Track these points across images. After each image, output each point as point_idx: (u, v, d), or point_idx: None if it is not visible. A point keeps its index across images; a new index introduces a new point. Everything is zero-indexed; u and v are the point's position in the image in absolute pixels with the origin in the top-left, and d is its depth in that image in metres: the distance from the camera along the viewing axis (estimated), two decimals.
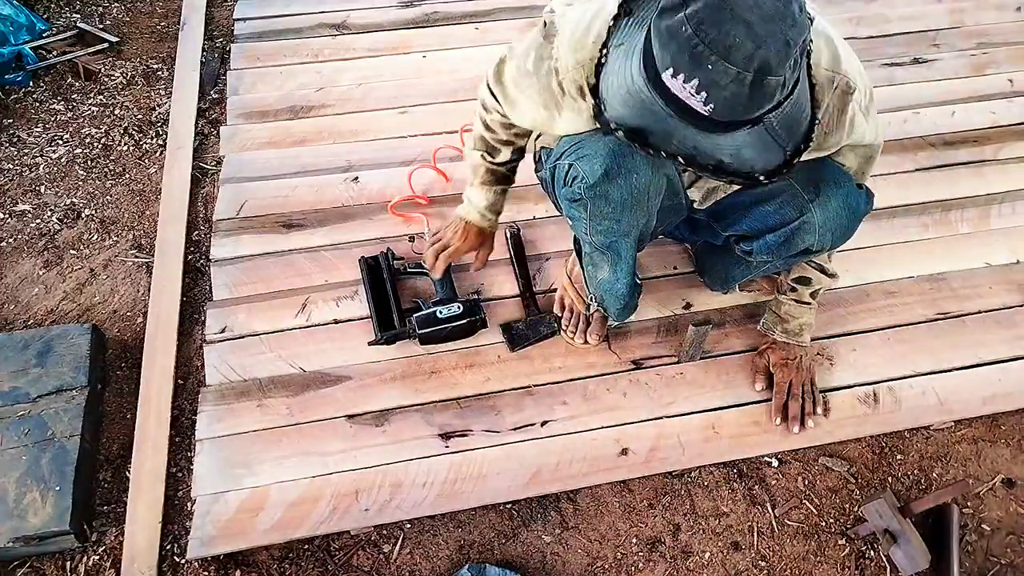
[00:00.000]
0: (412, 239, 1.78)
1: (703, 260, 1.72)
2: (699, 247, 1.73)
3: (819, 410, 1.54)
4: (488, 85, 1.35)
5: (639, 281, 1.61)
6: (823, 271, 1.48)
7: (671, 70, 0.86)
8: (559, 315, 1.65)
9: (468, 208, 1.55)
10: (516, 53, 1.26)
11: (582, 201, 1.24)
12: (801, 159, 0.98)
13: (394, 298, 1.63)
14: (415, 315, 1.58)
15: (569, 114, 1.19)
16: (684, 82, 0.85)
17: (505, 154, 1.45)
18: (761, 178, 0.97)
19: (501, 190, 1.53)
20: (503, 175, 1.51)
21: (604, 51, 1.01)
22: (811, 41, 0.97)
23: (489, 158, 1.47)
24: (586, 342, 1.62)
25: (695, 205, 1.40)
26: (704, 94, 0.85)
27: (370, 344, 1.59)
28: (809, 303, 1.53)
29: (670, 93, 0.88)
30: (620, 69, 0.96)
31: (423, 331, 1.57)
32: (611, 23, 1.02)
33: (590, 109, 1.07)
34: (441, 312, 1.57)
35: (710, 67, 0.83)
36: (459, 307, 1.58)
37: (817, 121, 0.98)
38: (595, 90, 1.02)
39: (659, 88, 0.89)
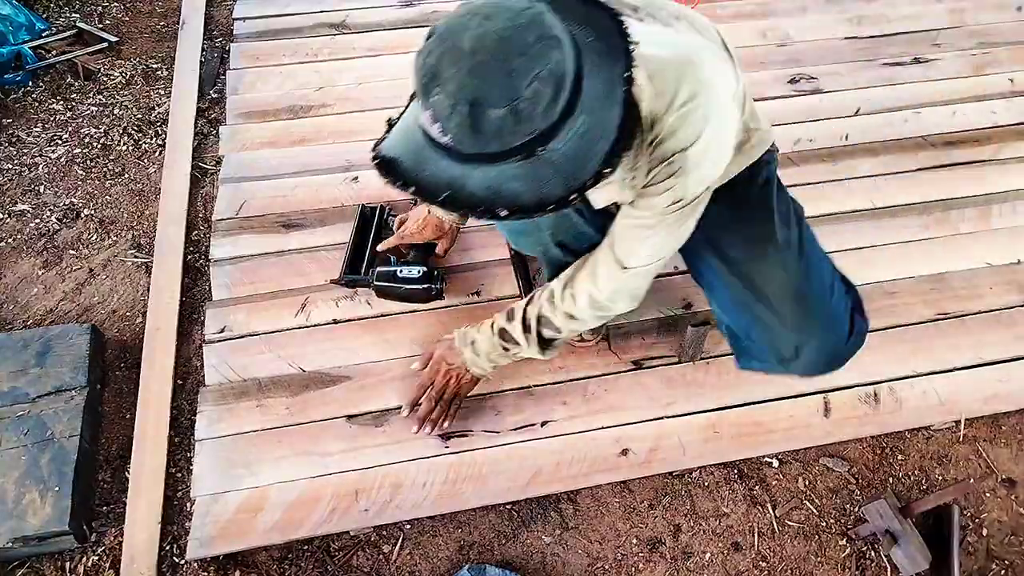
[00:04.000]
0: (415, 202, 1.77)
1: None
2: None
3: (446, 424, 1.46)
4: None
5: None
6: (536, 341, 1.35)
7: (417, 100, 0.85)
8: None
9: None
10: None
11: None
12: (588, 191, 0.90)
13: (370, 249, 1.72)
14: (378, 268, 1.64)
15: None
16: (423, 111, 0.84)
17: None
18: (534, 214, 0.89)
19: None
20: None
21: None
22: (631, 73, 0.88)
23: None
24: (582, 339, 1.62)
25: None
26: (438, 124, 0.82)
27: (330, 281, 1.70)
28: (508, 356, 1.41)
29: (424, 127, 0.86)
30: (412, 109, 0.93)
31: (378, 283, 1.63)
32: None
33: None
34: (401, 271, 1.63)
35: (433, 98, 0.81)
36: (419, 272, 1.62)
37: (618, 157, 0.88)
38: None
39: (422, 121, 0.86)
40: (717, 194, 1.19)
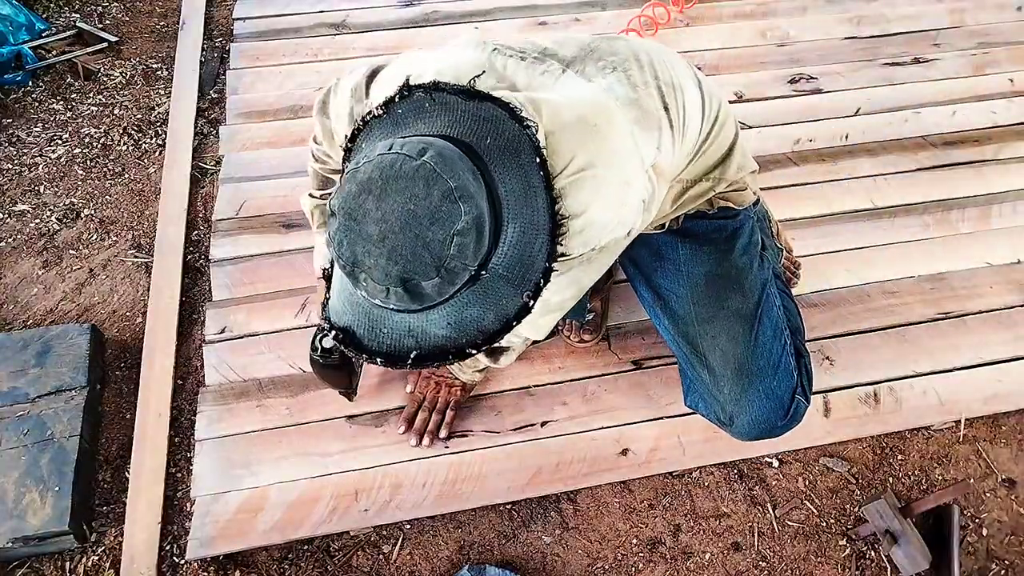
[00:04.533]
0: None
1: None
2: None
3: (443, 433, 1.46)
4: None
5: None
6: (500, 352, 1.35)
7: (348, 280, 0.84)
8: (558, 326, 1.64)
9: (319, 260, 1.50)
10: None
11: None
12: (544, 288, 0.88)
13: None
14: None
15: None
16: (361, 291, 0.82)
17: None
18: (500, 337, 0.87)
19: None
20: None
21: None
22: (543, 157, 0.87)
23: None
24: (583, 340, 1.61)
25: None
26: (379, 299, 0.82)
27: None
28: (480, 367, 1.43)
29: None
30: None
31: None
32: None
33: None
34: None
35: (364, 284, 0.81)
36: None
37: (561, 254, 0.89)
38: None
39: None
40: (679, 238, 1.17)
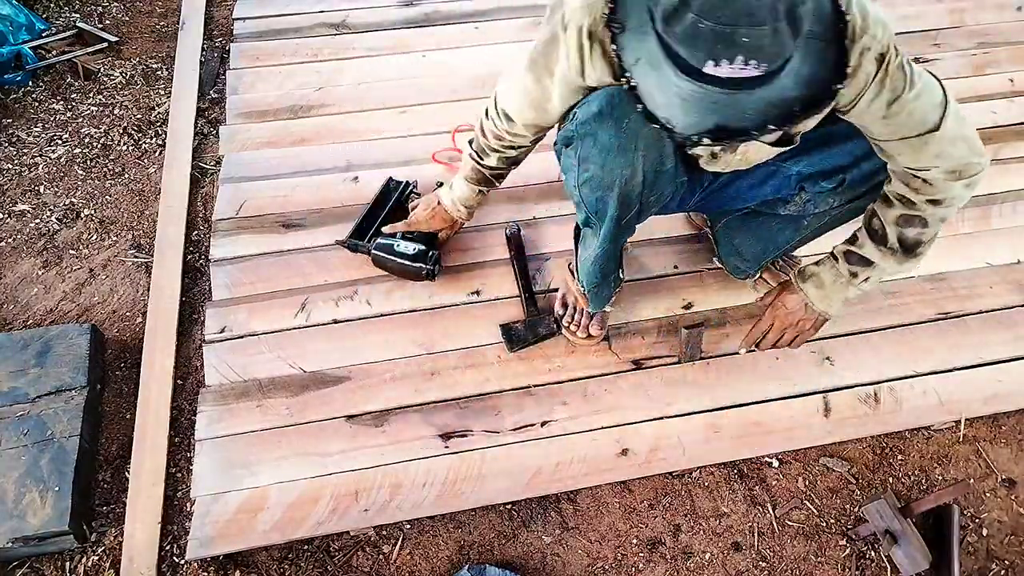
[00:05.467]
0: (440, 185, 1.78)
1: (730, 239, 1.67)
2: (722, 227, 1.69)
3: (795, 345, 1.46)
4: (494, 96, 1.36)
5: (622, 275, 1.59)
6: (899, 250, 1.27)
7: (712, 62, 0.87)
8: (560, 313, 1.65)
9: (447, 193, 1.64)
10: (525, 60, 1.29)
11: (573, 144, 1.23)
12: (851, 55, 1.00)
13: (382, 220, 1.75)
14: (379, 239, 1.70)
15: (563, 72, 1.18)
16: (730, 64, 0.86)
17: (492, 160, 1.46)
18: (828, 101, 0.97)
19: (480, 191, 1.57)
20: (486, 178, 1.52)
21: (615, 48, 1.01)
22: None
23: (477, 159, 1.49)
24: (589, 336, 1.61)
25: (719, 170, 1.33)
26: (754, 62, 0.86)
27: (335, 241, 1.77)
28: (856, 285, 1.36)
29: (721, 79, 0.88)
30: (660, 83, 0.95)
31: (376, 252, 1.69)
32: (613, 46, 1.02)
33: (583, 67, 1.12)
34: (399, 245, 1.68)
35: (746, 40, 0.85)
36: (415, 249, 1.67)
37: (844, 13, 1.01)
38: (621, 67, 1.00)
39: (709, 79, 0.89)
40: None
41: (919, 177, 1.21)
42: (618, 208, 1.26)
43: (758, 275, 1.71)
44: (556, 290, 1.70)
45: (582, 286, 1.56)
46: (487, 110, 1.40)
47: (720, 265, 1.75)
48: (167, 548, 1.37)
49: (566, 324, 1.63)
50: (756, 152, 1.22)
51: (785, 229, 1.51)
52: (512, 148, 1.43)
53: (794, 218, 1.46)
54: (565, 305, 1.65)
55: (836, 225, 1.46)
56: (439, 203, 1.65)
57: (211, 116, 2.14)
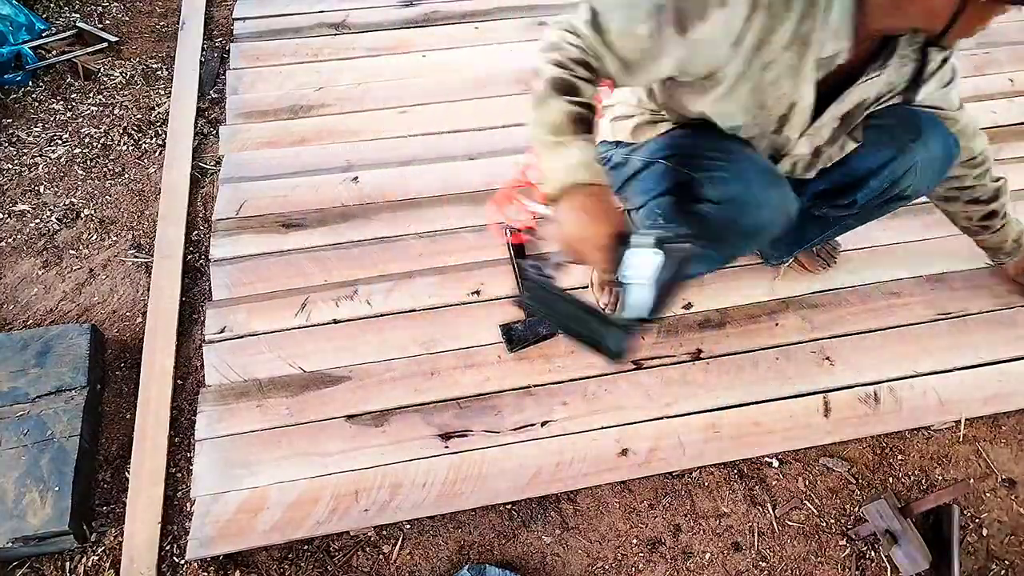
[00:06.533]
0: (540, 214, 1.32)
1: None
2: None
3: None
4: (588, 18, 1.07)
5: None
6: (992, 198, 1.56)
7: None
8: (601, 298, 1.67)
9: (566, 174, 1.04)
10: None
11: (701, 218, 1.22)
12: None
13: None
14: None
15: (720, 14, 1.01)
16: None
17: (587, 91, 1.08)
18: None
19: (590, 139, 1.09)
20: (586, 116, 1.08)
21: None
22: None
23: (573, 97, 1.06)
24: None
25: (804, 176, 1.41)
26: None
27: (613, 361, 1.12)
28: (1005, 226, 1.60)
29: None
30: None
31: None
32: None
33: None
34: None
35: None
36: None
37: None
38: None
39: None
40: None
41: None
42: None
43: (791, 260, 1.77)
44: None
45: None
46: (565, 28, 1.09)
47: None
48: (167, 548, 1.37)
49: (605, 305, 1.66)
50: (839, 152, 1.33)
51: (814, 227, 1.56)
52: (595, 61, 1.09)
53: (820, 218, 1.51)
54: (602, 290, 1.68)
55: (866, 221, 1.55)
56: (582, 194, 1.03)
57: (211, 116, 2.14)
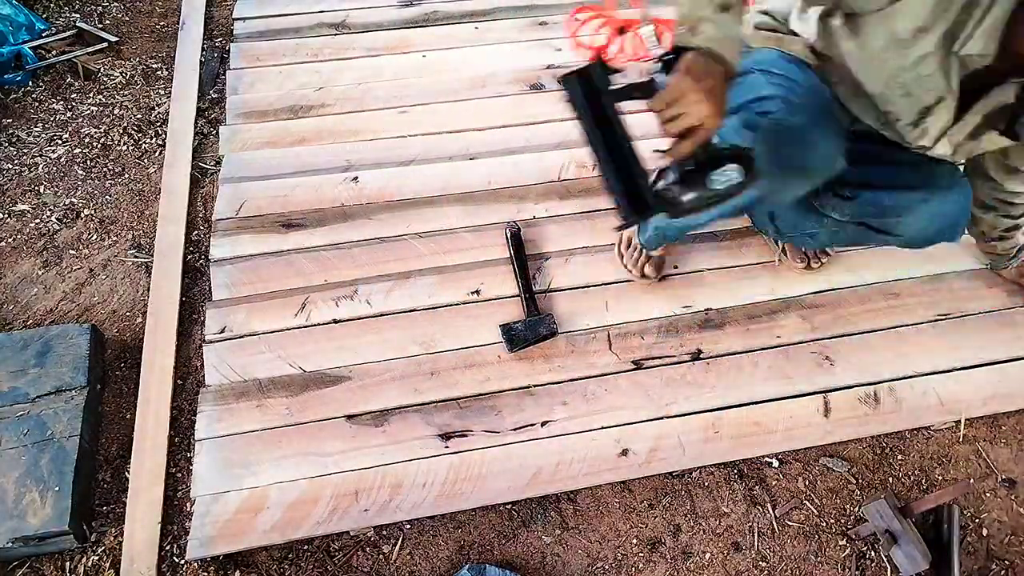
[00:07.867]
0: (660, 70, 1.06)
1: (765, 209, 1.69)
2: None
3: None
4: None
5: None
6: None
7: None
8: (622, 252, 1.73)
9: (710, 33, 1.00)
10: None
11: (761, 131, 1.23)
12: None
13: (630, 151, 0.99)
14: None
15: None
16: None
17: None
18: None
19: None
20: None
21: None
22: None
23: None
24: (644, 276, 1.70)
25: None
26: None
27: (617, 229, 1.14)
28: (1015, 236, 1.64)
29: None
30: None
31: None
32: None
33: None
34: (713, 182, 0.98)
35: None
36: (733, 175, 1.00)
37: None
38: None
39: None
40: None
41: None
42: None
43: (781, 248, 1.79)
44: (556, 290, 1.70)
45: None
46: None
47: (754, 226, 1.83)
48: (167, 548, 1.37)
49: (625, 263, 1.73)
50: None
51: (809, 217, 1.54)
52: None
53: (818, 212, 1.50)
54: (628, 246, 1.74)
55: (853, 243, 1.58)
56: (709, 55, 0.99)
57: (211, 116, 2.14)
